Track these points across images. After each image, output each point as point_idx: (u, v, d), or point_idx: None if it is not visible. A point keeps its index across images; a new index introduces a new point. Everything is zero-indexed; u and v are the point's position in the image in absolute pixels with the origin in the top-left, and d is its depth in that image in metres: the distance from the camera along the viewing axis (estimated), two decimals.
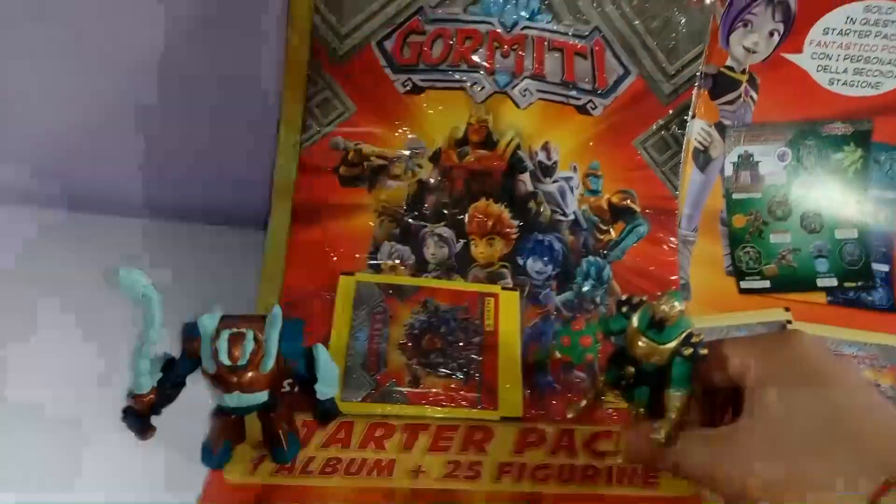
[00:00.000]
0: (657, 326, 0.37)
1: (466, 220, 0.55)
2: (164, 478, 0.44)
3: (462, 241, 0.55)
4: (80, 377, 0.49)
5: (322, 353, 0.41)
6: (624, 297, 0.40)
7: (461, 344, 0.52)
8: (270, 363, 0.40)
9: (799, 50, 0.57)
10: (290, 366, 0.41)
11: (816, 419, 0.34)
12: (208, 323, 0.39)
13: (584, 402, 0.48)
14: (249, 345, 0.39)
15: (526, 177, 0.56)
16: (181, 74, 0.60)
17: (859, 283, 0.58)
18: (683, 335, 0.37)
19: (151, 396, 0.39)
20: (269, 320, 0.40)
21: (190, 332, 0.40)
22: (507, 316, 0.53)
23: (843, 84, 0.57)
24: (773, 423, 0.35)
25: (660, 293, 0.36)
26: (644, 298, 0.38)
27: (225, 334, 0.39)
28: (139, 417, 0.39)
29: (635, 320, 0.38)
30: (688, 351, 0.37)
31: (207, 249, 0.61)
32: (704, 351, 0.36)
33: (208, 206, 0.64)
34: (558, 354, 0.43)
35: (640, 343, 0.38)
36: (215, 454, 0.43)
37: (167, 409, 0.40)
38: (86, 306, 0.53)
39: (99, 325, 0.51)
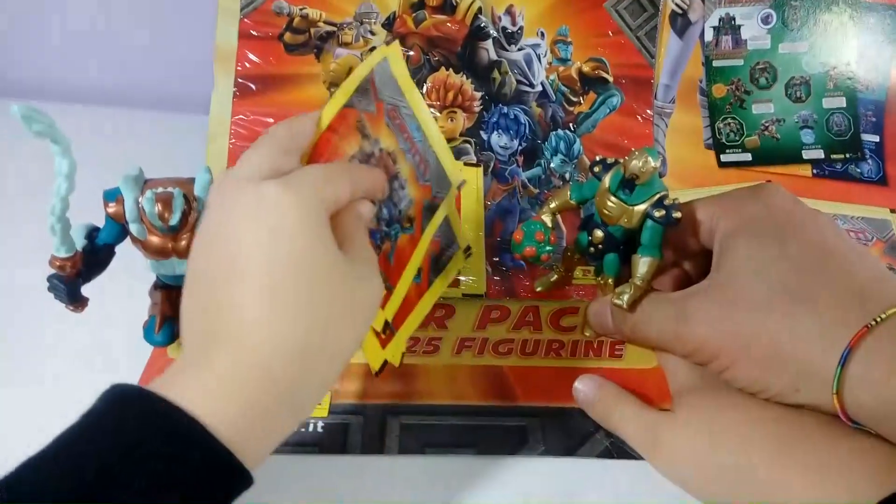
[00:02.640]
0: (628, 186, 0.34)
1: (425, 92, 0.51)
2: (107, 356, 0.41)
3: None
4: None
5: None
6: (598, 158, 0.37)
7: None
8: None
9: None
10: None
11: (789, 269, 0.31)
12: (132, 182, 0.36)
13: (553, 277, 0.45)
14: (179, 202, 0.36)
15: (488, 44, 0.52)
16: None
17: (847, 155, 0.54)
18: (656, 197, 0.34)
19: (76, 259, 0.36)
20: (198, 179, 0.37)
21: (109, 196, 0.36)
22: (470, 192, 0.49)
23: None
24: (741, 277, 0.32)
25: (633, 149, 0.33)
26: (619, 160, 0.35)
27: (149, 194, 0.35)
28: (65, 284, 0.36)
29: (607, 180, 0.35)
30: (659, 213, 0.33)
31: (153, 136, 0.57)
32: (678, 214, 0.33)
33: (152, 90, 0.59)
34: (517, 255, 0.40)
35: (609, 203, 0.35)
36: (157, 332, 0.41)
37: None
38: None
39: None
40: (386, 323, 0.37)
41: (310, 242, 0.27)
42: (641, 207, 0.34)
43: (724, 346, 0.32)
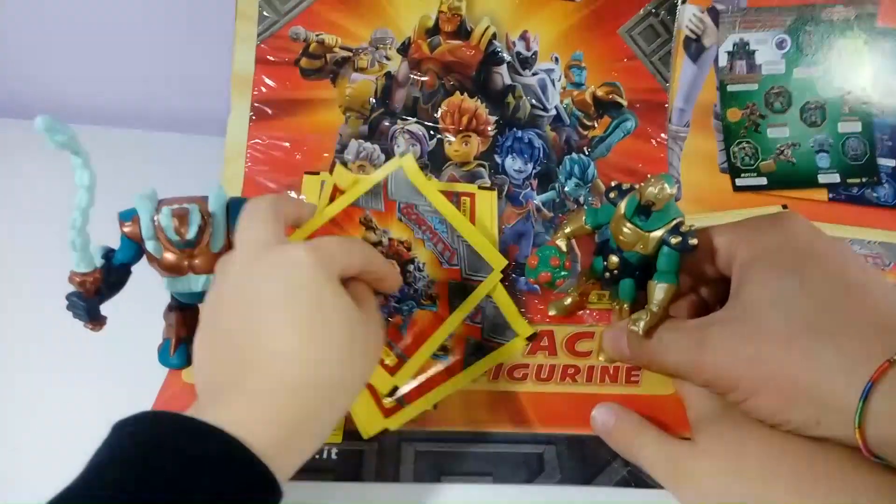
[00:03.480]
0: (644, 213, 0.34)
1: (439, 116, 0.52)
2: (119, 381, 0.41)
3: (436, 138, 0.51)
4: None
5: None
6: (613, 184, 0.37)
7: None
8: (221, 240, 0.37)
9: None
10: None
11: (810, 301, 0.31)
12: (147, 201, 0.36)
13: (567, 301, 0.45)
14: (196, 216, 0.36)
15: (503, 69, 0.52)
16: None
17: (863, 179, 0.54)
18: (672, 224, 0.34)
19: (96, 276, 0.36)
20: (213, 196, 0.37)
21: (125, 216, 0.37)
22: (484, 216, 0.49)
23: None
24: (761, 309, 0.32)
25: (649, 175, 0.33)
26: (635, 185, 0.35)
27: (166, 210, 0.36)
28: (84, 302, 0.36)
29: (622, 206, 0.35)
30: (675, 240, 0.33)
31: (167, 157, 0.57)
32: (694, 241, 0.33)
33: (168, 112, 0.60)
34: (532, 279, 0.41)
35: (624, 230, 0.35)
36: (173, 354, 0.41)
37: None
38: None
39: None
40: (394, 389, 0.38)
41: (332, 293, 0.30)
42: (657, 234, 0.34)
43: (743, 377, 0.31)
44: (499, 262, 0.45)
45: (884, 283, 0.32)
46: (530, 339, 0.44)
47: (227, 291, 0.31)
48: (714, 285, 0.39)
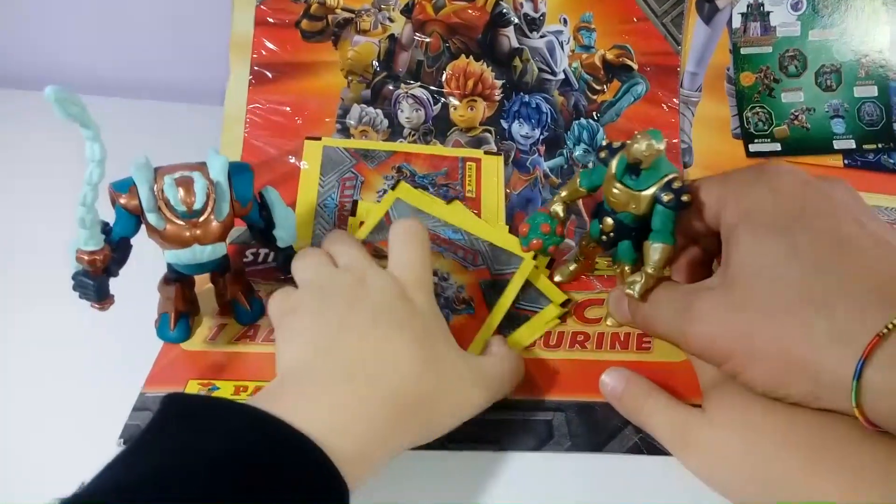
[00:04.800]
0: (634, 172, 0.33)
1: (444, 80, 0.50)
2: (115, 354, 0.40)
3: (440, 102, 0.50)
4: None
5: (275, 197, 0.37)
6: (604, 143, 0.35)
7: None
8: (226, 208, 0.35)
9: None
10: (244, 210, 0.36)
11: (800, 267, 0.29)
12: (145, 170, 0.34)
13: (573, 266, 0.44)
14: (202, 184, 0.34)
15: (510, 31, 0.51)
16: None
17: (879, 145, 0.52)
18: (664, 181, 0.32)
19: (105, 253, 0.34)
20: (213, 162, 0.35)
21: (121, 187, 0.34)
22: (490, 182, 0.48)
23: None
24: (748, 276, 0.30)
25: (636, 132, 0.32)
26: (626, 143, 0.33)
27: (169, 180, 0.34)
28: (94, 280, 0.34)
29: (613, 165, 0.34)
30: (667, 197, 0.32)
31: (165, 126, 0.56)
32: (687, 197, 0.32)
33: (168, 81, 0.59)
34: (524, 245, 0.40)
35: (615, 190, 0.34)
36: (173, 328, 0.40)
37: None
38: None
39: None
40: None
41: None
42: (649, 192, 0.33)
43: (735, 349, 0.30)
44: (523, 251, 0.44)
45: (880, 237, 0.29)
46: (564, 305, 0.43)
47: (346, 296, 0.33)
48: (713, 238, 0.37)
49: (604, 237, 0.37)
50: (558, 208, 0.38)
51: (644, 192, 0.33)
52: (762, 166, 0.33)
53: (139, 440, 0.26)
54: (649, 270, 0.33)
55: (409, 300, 0.33)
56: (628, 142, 0.32)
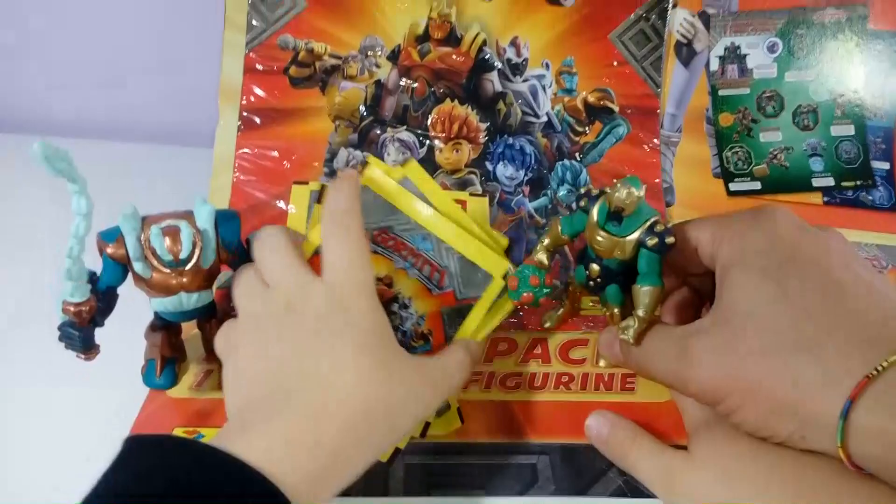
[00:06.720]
0: (616, 218, 0.33)
1: (430, 123, 0.51)
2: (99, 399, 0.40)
3: (426, 145, 0.51)
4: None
5: None
6: (582, 190, 0.36)
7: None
8: (212, 255, 0.36)
9: None
10: (231, 257, 0.37)
11: (791, 312, 0.30)
12: (132, 220, 0.35)
13: (560, 311, 0.45)
14: (188, 233, 0.35)
15: (493, 75, 0.52)
16: None
17: (858, 182, 0.53)
18: (647, 224, 0.33)
19: (91, 304, 0.34)
20: (200, 211, 0.36)
21: (108, 237, 0.35)
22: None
23: None
24: (741, 318, 0.31)
25: (615, 180, 0.32)
26: (605, 189, 0.34)
27: (155, 230, 0.35)
28: (80, 331, 0.35)
29: (594, 214, 0.34)
30: (651, 241, 0.32)
31: (154, 170, 0.57)
32: (671, 240, 0.32)
33: (156, 125, 0.60)
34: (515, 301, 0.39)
35: (598, 238, 0.34)
36: (159, 375, 0.40)
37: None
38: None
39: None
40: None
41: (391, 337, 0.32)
42: (633, 237, 0.33)
43: (729, 391, 0.31)
44: (498, 266, 0.40)
45: (873, 285, 0.30)
46: (505, 277, 0.39)
47: (278, 321, 0.32)
48: (705, 277, 0.38)
49: (591, 282, 0.37)
50: (542, 257, 0.38)
51: (628, 238, 0.33)
52: (759, 209, 0.33)
53: (95, 487, 0.26)
54: (641, 314, 0.34)
55: (347, 309, 0.31)
56: (608, 190, 0.33)
